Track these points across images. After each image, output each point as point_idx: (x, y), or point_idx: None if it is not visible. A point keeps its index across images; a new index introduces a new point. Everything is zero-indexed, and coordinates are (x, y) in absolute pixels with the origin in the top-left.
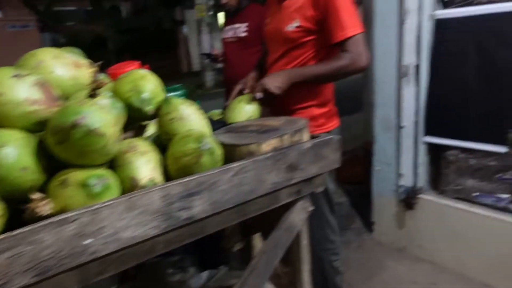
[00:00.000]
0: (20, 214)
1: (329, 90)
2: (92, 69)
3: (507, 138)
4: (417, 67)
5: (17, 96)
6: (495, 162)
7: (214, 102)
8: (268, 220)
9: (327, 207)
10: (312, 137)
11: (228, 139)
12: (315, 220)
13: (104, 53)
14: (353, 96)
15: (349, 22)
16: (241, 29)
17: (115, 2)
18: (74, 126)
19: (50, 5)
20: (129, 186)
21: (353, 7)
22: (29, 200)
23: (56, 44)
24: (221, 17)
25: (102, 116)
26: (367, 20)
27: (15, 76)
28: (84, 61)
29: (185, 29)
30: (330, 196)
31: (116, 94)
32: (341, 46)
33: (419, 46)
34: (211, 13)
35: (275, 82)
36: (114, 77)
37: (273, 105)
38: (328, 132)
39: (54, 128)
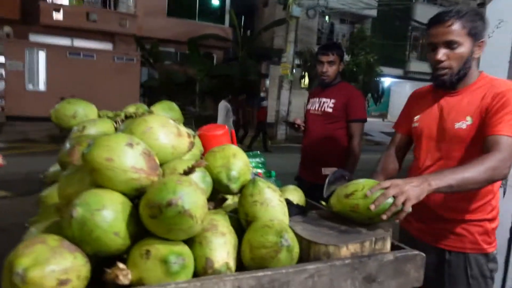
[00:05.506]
0: (100, 273)
1: (497, 199)
2: (190, 139)
3: None
4: None
5: (125, 163)
6: None
7: (285, 156)
8: None
9: None
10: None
11: (305, 232)
12: None
13: (192, 93)
14: None
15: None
16: (328, 104)
17: (210, 49)
18: (169, 204)
19: (156, 45)
20: (202, 266)
21: None
22: (112, 265)
23: (151, 78)
24: (304, 78)
25: (195, 198)
26: None
27: (128, 144)
28: (184, 131)
29: (268, 82)
30: None
31: (208, 166)
32: (490, 142)
33: None
34: (294, 72)
35: (415, 189)
36: (203, 138)
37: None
38: (494, 251)
39: (150, 203)
